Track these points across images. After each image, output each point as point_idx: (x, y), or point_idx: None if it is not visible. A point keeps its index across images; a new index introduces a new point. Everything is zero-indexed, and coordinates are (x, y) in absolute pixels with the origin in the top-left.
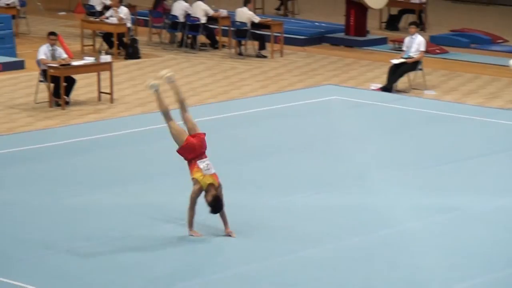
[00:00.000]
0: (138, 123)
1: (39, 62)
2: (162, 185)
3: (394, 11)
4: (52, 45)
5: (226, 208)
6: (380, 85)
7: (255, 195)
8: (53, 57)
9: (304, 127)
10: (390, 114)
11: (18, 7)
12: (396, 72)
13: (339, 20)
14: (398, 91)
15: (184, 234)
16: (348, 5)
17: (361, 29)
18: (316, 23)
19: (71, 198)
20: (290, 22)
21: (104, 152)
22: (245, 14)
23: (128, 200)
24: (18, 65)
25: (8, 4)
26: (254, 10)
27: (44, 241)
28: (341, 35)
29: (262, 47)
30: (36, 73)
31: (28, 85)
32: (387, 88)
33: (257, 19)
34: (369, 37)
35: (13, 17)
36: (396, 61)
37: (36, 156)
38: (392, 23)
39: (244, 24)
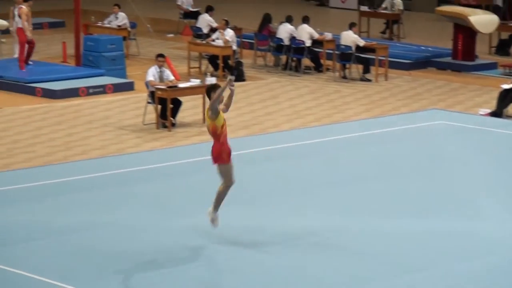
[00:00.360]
0: (242, 145)
1: (147, 84)
2: (265, 207)
3: (505, 35)
4: (160, 67)
5: (334, 233)
6: (489, 111)
7: (359, 219)
8: (161, 79)
9: (409, 151)
10: (499, 140)
11: (129, 29)
12: (507, 97)
13: (446, 44)
14: (509, 117)
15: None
16: (456, 30)
17: (469, 53)
18: (422, 47)
19: (179, 219)
20: (395, 46)
21: (208, 175)
22: (350, 38)
23: (231, 222)
24: (128, 87)
25: (119, 26)
26: (359, 33)
27: (150, 261)
28: (448, 59)
29: (366, 70)
30: (144, 95)
31: (136, 106)
32: (497, 113)
33: (362, 42)
34: (478, 61)
35: (124, 38)
36: (507, 86)
37: (144, 177)
38: (503, 48)
39: (349, 47)
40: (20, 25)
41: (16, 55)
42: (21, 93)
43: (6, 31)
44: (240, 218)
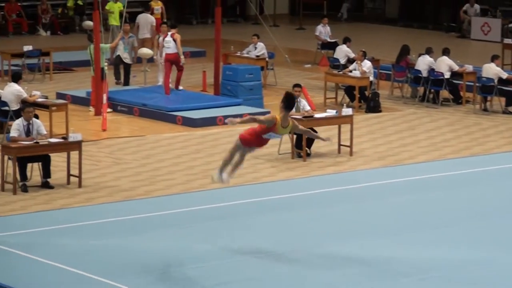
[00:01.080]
0: (377, 176)
1: None
2: (406, 239)
3: None
4: (296, 96)
5: (478, 266)
6: None
7: (506, 252)
8: (297, 109)
9: None
10: None
11: (267, 59)
12: None
13: None
14: None
15: None
16: None
17: None
18: None
19: (316, 248)
20: None
21: (344, 205)
22: (492, 70)
23: (370, 254)
24: None
25: (258, 56)
26: (502, 66)
27: None
28: None
29: (509, 103)
30: None
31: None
32: None
33: (505, 75)
34: None
35: (262, 68)
36: None
37: (280, 205)
38: None
39: (491, 79)
40: (170, 51)
41: (160, 83)
42: (163, 121)
43: (150, 60)
44: (378, 248)
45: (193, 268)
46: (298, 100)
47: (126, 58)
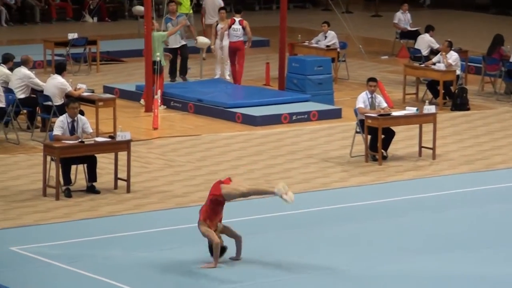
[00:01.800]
0: (464, 183)
1: (356, 111)
2: (488, 255)
3: None
4: (371, 92)
5: None
6: None
7: None
8: (372, 106)
9: None
10: None
11: (339, 50)
12: None
13: None
14: None
15: None
16: None
17: None
18: None
19: (387, 264)
20: None
21: (425, 214)
22: None
23: (449, 269)
24: (335, 114)
25: (328, 46)
26: None
27: None
28: None
29: None
30: (353, 123)
31: (344, 136)
32: None
33: None
34: None
35: (333, 60)
36: None
37: (349, 215)
38: None
39: None
40: (236, 40)
41: (217, 76)
42: (220, 119)
43: (208, 50)
44: (457, 265)
45: (257, 284)
46: (374, 96)
47: (181, 41)
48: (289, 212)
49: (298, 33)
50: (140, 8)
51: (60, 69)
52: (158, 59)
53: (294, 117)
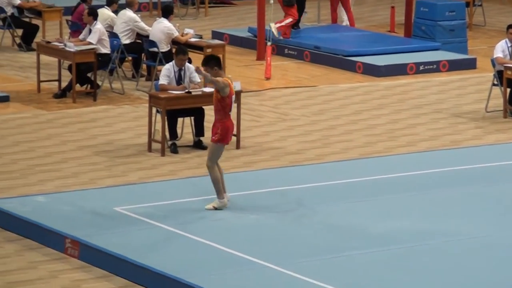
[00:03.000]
0: None
1: (494, 62)
2: None
3: None
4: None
5: None
6: None
7: None
8: None
9: None
10: None
11: None
12: None
13: None
14: None
15: None
16: None
17: None
18: None
19: None
20: None
21: None
22: None
23: None
24: (469, 64)
25: None
26: None
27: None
28: None
29: None
30: (489, 75)
31: (478, 89)
32: None
33: None
34: None
35: (467, 4)
36: None
37: (485, 176)
38: None
39: None
40: None
41: (344, 23)
42: (339, 68)
43: None
44: None
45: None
46: None
47: None
48: (414, 173)
49: None
50: None
51: (167, 12)
52: None
53: (421, 67)
